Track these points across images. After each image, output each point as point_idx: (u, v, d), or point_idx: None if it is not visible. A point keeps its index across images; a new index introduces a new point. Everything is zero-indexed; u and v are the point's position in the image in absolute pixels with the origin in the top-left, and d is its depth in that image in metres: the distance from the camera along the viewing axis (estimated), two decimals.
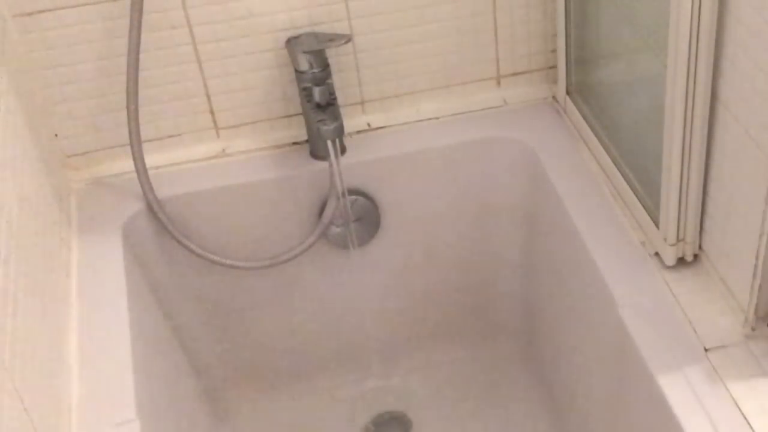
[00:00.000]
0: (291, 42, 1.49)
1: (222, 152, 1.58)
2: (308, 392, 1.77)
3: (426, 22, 1.54)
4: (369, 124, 1.61)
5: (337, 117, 1.48)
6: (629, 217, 1.38)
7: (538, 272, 1.64)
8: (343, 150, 1.55)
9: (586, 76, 1.54)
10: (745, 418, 1.08)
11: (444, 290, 1.74)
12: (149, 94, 1.50)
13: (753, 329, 1.16)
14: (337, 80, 1.53)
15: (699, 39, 1.10)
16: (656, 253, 1.31)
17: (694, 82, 1.13)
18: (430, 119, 1.62)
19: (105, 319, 1.30)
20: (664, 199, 1.25)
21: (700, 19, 1.09)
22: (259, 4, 1.47)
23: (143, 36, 1.41)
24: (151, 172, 1.48)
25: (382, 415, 1.73)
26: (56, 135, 1.52)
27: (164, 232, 1.50)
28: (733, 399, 1.10)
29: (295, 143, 1.59)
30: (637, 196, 1.36)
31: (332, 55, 1.51)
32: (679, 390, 1.12)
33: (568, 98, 1.57)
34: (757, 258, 1.11)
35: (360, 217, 1.61)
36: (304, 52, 1.47)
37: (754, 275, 1.12)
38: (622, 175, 1.40)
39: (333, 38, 1.47)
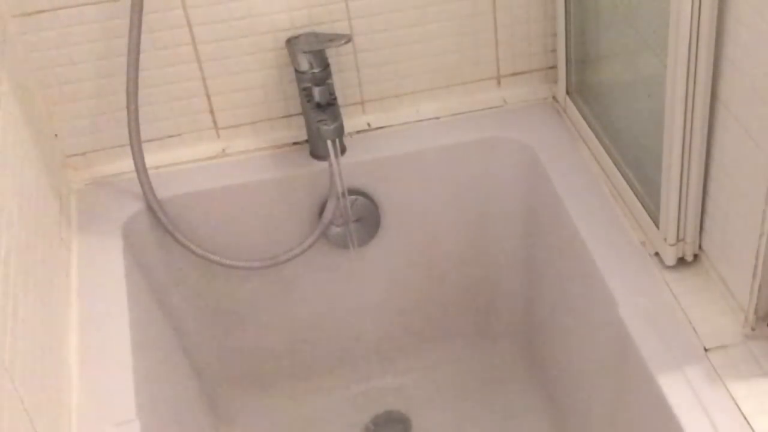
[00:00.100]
0: (291, 42, 1.49)
1: (222, 152, 1.58)
2: (308, 392, 1.77)
3: (426, 22, 1.54)
4: (369, 124, 1.61)
5: (337, 117, 1.48)
6: (629, 217, 1.38)
7: (538, 272, 1.64)
8: (343, 150, 1.55)
9: (586, 76, 1.54)
10: (745, 418, 1.08)
11: (444, 290, 1.74)
12: (149, 94, 1.50)
13: (753, 329, 1.17)
14: (337, 80, 1.53)
15: (699, 39, 1.10)
16: (656, 253, 1.31)
17: (695, 83, 1.13)
18: (430, 119, 1.62)
19: (105, 319, 1.30)
20: (664, 199, 1.25)
21: (700, 20, 1.09)
22: (259, 4, 1.47)
23: (143, 36, 1.41)
24: (151, 172, 1.48)
25: (382, 415, 1.73)
26: (56, 135, 1.52)
27: (164, 232, 1.50)
28: (733, 399, 1.10)
29: (295, 143, 1.59)
30: (637, 196, 1.36)
31: (332, 55, 1.51)
32: (679, 390, 1.12)
33: (568, 98, 1.57)
34: (757, 258, 1.11)
35: (360, 217, 1.61)
36: (304, 52, 1.47)
37: (754, 275, 1.12)
38: (622, 175, 1.40)
39: (333, 38, 1.47)
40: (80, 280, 1.37)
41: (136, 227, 1.48)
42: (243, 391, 1.75)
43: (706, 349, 1.17)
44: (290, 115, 1.58)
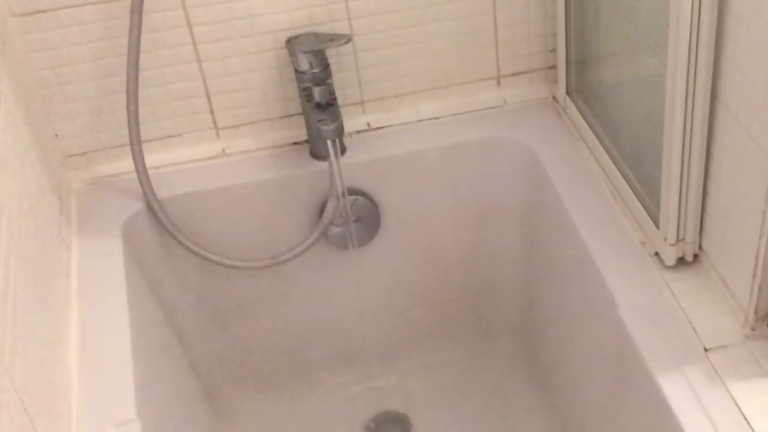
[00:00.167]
0: (291, 42, 1.49)
1: (222, 152, 1.58)
2: (308, 392, 1.77)
3: (426, 22, 1.54)
4: (369, 124, 1.61)
5: (337, 117, 1.48)
6: (629, 217, 1.38)
7: (538, 272, 1.64)
8: (343, 150, 1.55)
9: (586, 76, 1.54)
10: (745, 418, 1.08)
11: (444, 290, 1.74)
12: (149, 94, 1.50)
13: (753, 329, 1.17)
14: (337, 80, 1.53)
15: (699, 39, 1.10)
16: (656, 253, 1.31)
17: (694, 82, 1.13)
18: (430, 119, 1.62)
19: (105, 319, 1.30)
20: (664, 199, 1.25)
21: (700, 19, 1.09)
22: (259, 4, 1.47)
23: (143, 36, 1.41)
24: (151, 172, 1.48)
25: (382, 414, 1.73)
26: (56, 135, 1.52)
27: (164, 232, 1.50)
28: (733, 399, 1.10)
29: (295, 143, 1.60)
30: (637, 196, 1.36)
31: (332, 55, 1.51)
32: (679, 390, 1.12)
33: (568, 98, 1.57)
34: (757, 258, 1.11)
35: (360, 217, 1.61)
36: (304, 52, 1.47)
37: (754, 275, 1.12)
38: (622, 175, 1.40)
39: (333, 38, 1.47)
40: (80, 280, 1.37)
41: (136, 227, 1.48)
42: (243, 391, 1.75)
43: (706, 349, 1.17)
44: (290, 115, 1.58)
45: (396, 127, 1.61)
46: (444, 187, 1.62)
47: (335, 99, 1.51)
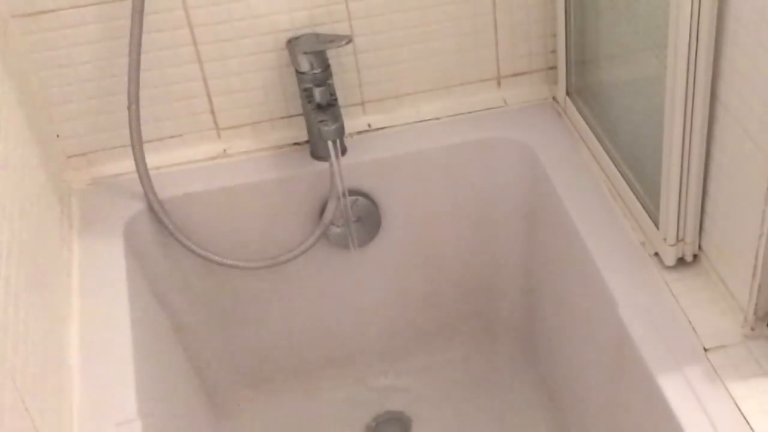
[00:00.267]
0: (292, 43, 1.49)
1: (223, 153, 1.59)
2: (308, 392, 1.77)
3: (426, 23, 1.54)
4: (369, 125, 1.61)
5: (337, 117, 1.48)
6: (629, 218, 1.38)
7: (538, 272, 1.64)
8: (344, 150, 1.55)
9: (586, 77, 1.54)
10: (745, 418, 1.08)
11: (444, 290, 1.75)
12: (150, 94, 1.50)
13: (752, 329, 1.17)
14: (337, 81, 1.53)
15: (699, 40, 1.10)
16: (656, 254, 1.31)
17: (694, 83, 1.13)
18: (430, 120, 1.62)
19: (106, 318, 1.30)
20: (664, 199, 1.25)
21: (699, 20, 1.09)
22: (260, 5, 1.47)
23: (144, 37, 1.41)
24: (152, 173, 1.48)
25: (383, 414, 1.74)
26: (57, 135, 1.52)
27: (165, 232, 1.51)
28: (733, 399, 1.10)
29: (295, 144, 1.60)
30: (636, 196, 1.36)
31: (333, 55, 1.51)
32: (679, 390, 1.12)
33: (568, 99, 1.58)
34: (756, 258, 1.11)
35: (360, 218, 1.61)
36: (305, 53, 1.47)
37: (754, 275, 1.12)
38: (622, 175, 1.40)
39: (333, 39, 1.47)
40: (81, 280, 1.37)
41: (137, 227, 1.48)
42: (244, 391, 1.75)
43: (705, 349, 1.17)
44: (291, 116, 1.59)
45: (396, 127, 1.61)
46: (444, 187, 1.62)
47: (336, 100, 1.51)
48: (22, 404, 1.00)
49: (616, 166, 1.42)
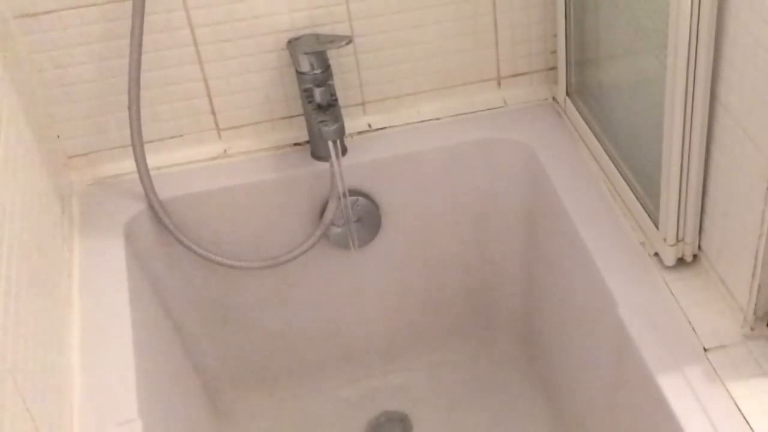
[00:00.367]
0: (292, 43, 1.50)
1: (223, 153, 1.59)
2: (309, 392, 1.77)
3: (427, 24, 1.54)
4: (370, 125, 1.62)
5: (338, 118, 1.49)
6: (629, 218, 1.38)
7: (538, 272, 1.64)
8: (344, 151, 1.56)
9: (586, 77, 1.55)
10: (745, 418, 1.08)
11: (444, 290, 1.75)
12: (151, 95, 1.51)
13: (752, 329, 1.17)
14: (338, 81, 1.53)
15: (698, 40, 1.10)
16: (656, 254, 1.31)
17: (694, 84, 1.14)
18: (430, 120, 1.62)
19: (107, 319, 1.30)
20: (664, 199, 1.25)
21: (699, 21, 1.09)
22: (261, 5, 1.47)
23: (145, 37, 1.41)
24: (152, 173, 1.48)
25: (383, 414, 1.74)
26: (58, 136, 1.52)
27: (166, 232, 1.51)
28: (733, 399, 1.10)
29: (296, 144, 1.60)
30: (636, 196, 1.36)
31: (333, 56, 1.52)
32: (679, 390, 1.12)
33: (568, 99, 1.58)
34: (756, 258, 1.11)
35: (361, 218, 1.61)
36: (305, 53, 1.47)
37: (753, 275, 1.12)
38: (622, 175, 1.40)
39: (334, 39, 1.48)
40: (82, 280, 1.37)
41: (137, 227, 1.49)
42: (244, 391, 1.75)
43: (705, 349, 1.17)
44: (291, 116, 1.59)
45: (397, 128, 1.61)
46: (444, 187, 1.62)
47: (336, 100, 1.51)
48: (23, 404, 1.00)
49: (615, 166, 1.42)
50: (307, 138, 1.58)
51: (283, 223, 1.60)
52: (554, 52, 1.60)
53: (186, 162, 1.57)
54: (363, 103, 1.60)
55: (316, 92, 1.49)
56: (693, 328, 1.20)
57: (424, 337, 1.79)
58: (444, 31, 1.56)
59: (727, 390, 1.11)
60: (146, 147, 1.46)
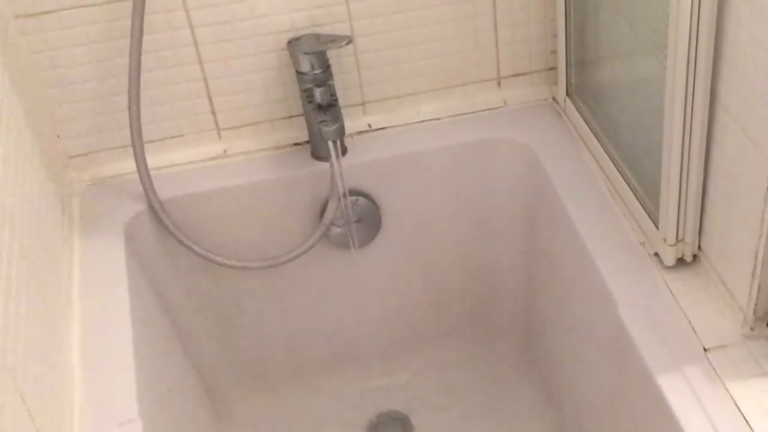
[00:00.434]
0: (292, 43, 1.50)
1: (223, 153, 1.59)
2: (309, 392, 1.77)
3: (427, 24, 1.54)
4: (370, 125, 1.62)
5: (338, 118, 1.49)
6: (629, 218, 1.38)
7: (538, 272, 1.64)
8: (344, 151, 1.56)
9: (586, 78, 1.55)
10: (745, 418, 1.08)
11: (444, 290, 1.75)
12: (151, 95, 1.51)
13: (752, 329, 1.17)
14: (338, 81, 1.54)
15: (698, 40, 1.10)
16: (656, 254, 1.31)
17: (694, 84, 1.14)
18: (430, 120, 1.62)
19: (107, 319, 1.30)
20: (664, 199, 1.25)
21: (699, 21, 1.09)
22: (261, 5, 1.47)
23: (145, 37, 1.41)
24: (152, 173, 1.48)
25: (383, 414, 1.74)
26: (58, 136, 1.52)
27: (166, 232, 1.51)
28: (733, 399, 1.10)
29: (296, 144, 1.60)
30: (636, 196, 1.36)
31: (333, 56, 1.52)
32: (679, 390, 1.12)
33: (568, 99, 1.58)
34: (756, 258, 1.11)
35: (361, 218, 1.61)
36: (306, 54, 1.47)
37: (753, 275, 1.12)
38: (622, 176, 1.40)
39: (334, 39, 1.48)
40: (82, 280, 1.37)
41: (138, 228, 1.49)
42: (244, 391, 1.75)
43: (705, 349, 1.17)
44: (291, 116, 1.59)
45: (397, 128, 1.61)
46: (444, 187, 1.62)
47: (336, 100, 1.51)
48: (23, 404, 1.00)
49: (615, 166, 1.42)
50: (307, 138, 1.58)
51: (284, 223, 1.60)
52: (554, 52, 1.60)
53: (186, 162, 1.57)
54: (363, 103, 1.61)
55: (317, 92, 1.49)
56: (693, 328, 1.20)
57: (424, 336, 1.79)
58: (444, 31, 1.56)
59: (727, 390, 1.11)
60: (146, 147, 1.47)
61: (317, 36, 1.49)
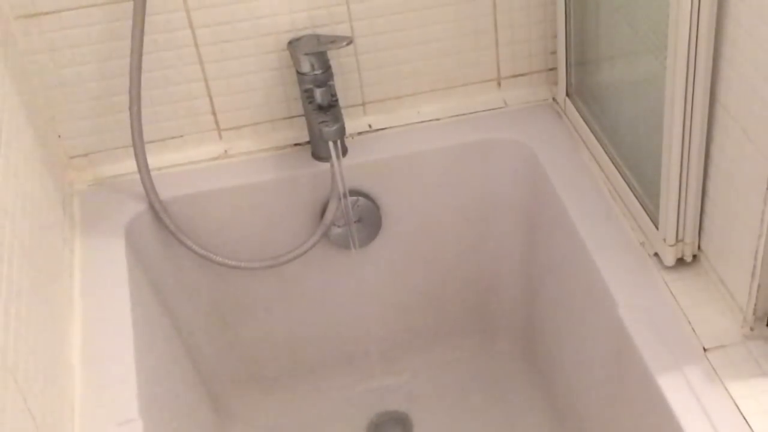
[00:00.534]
0: (293, 44, 1.50)
1: (224, 153, 1.59)
2: (309, 392, 1.77)
3: (427, 24, 1.55)
4: (370, 126, 1.62)
5: (338, 118, 1.49)
6: (629, 218, 1.38)
7: (538, 273, 1.64)
8: (345, 151, 1.56)
9: (585, 78, 1.55)
10: (745, 418, 1.08)
11: (444, 290, 1.75)
12: (152, 95, 1.51)
13: (752, 329, 1.17)
14: (338, 82, 1.54)
15: (698, 41, 1.11)
16: (655, 254, 1.31)
17: (693, 84, 1.14)
18: (430, 120, 1.62)
19: (108, 319, 1.31)
20: (664, 199, 1.25)
21: (699, 21, 1.09)
22: (261, 6, 1.47)
23: (146, 38, 1.41)
24: (153, 173, 1.48)
25: (383, 414, 1.74)
26: (59, 136, 1.52)
27: (167, 232, 1.51)
28: (732, 399, 1.10)
29: (296, 144, 1.60)
30: (636, 197, 1.37)
31: (334, 56, 1.52)
32: (679, 390, 1.12)
33: (567, 100, 1.58)
34: (755, 259, 1.11)
35: (361, 218, 1.62)
36: (306, 54, 1.48)
37: (753, 276, 1.13)
38: (622, 176, 1.40)
39: (334, 40, 1.48)
40: (83, 280, 1.37)
41: (138, 228, 1.49)
42: (245, 391, 1.75)
43: (705, 349, 1.17)
44: (292, 117, 1.59)
45: (397, 128, 1.61)
46: (444, 188, 1.62)
47: (337, 100, 1.51)
48: (24, 404, 1.00)
49: (615, 166, 1.42)
50: (307, 138, 1.58)
51: (284, 224, 1.60)
52: (554, 52, 1.60)
53: (187, 162, 1.57)
54: (363, 104, 1.61)
55: (317, 93, 1.49)
56: (693, 328, 1.20)
57: (425, 336, 1.79)
58: (444, 31, 1.56)
59: (726, 390, 1.12)
60: (147, 147, 1.47)
61: (318, 37, 1.50)
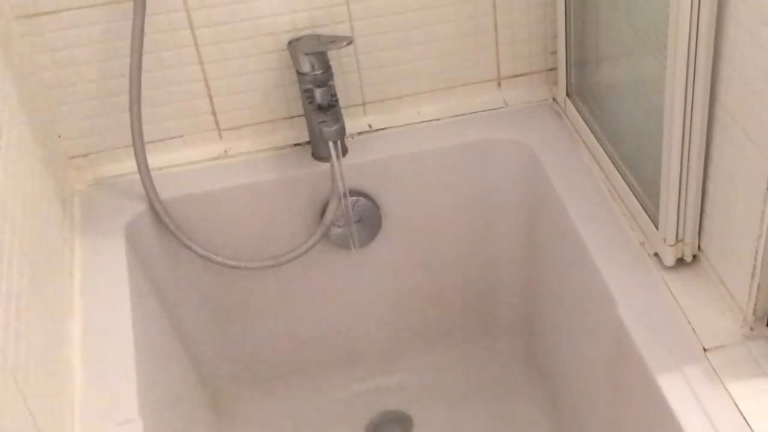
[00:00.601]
0: (293, 44, 1.50)
1: (224, 153, 1.59)
2: (310, 392, 1.77)
3: (427, 24, 1.55)
4: (370, 126, 1.62)
5: (338, 118, 1.49)
6: (629, 218, 1.38)
7: (538, 272, 1.64)
8: (345, 151, 1.56)
9: (586, 78, 1.55)
10: (744, 418, 1.08)
11: (445, 290, 1.75)
12: (152, 95, 1.51)
13: (752, 329, 1.17)
14: (338, 82, 1.54)
15: (698, 41, 1.11)
16: (655, 254, 1.31)
17: (693, 84, 1.14)
18: (431, 121, 1.62)
19: (108, 319, 1.31)
20: (664, 200, 1.25)
21: (699, 21, 1.09)
22: (261, 6, 1.47)
23: (146, 38, 1.41)
24: (153, 173, 1.48)
25: (383, 414, 1.74)
26: (59, 136, 1.52)
27: (167, 232, 1.51)
28: (732, 399, 1.10)
29: (296, 144, 1.60)
30: (636, 197, 1.37)
31: (334, 56, 1.52)
32: (679, 390, 1.12)
33: (568, 100, 1.58)
34: (755, 259, 1.11)
35: (361, 218, 1.62)
36: (306, 54, 1.48)
37: (753, 276, 1.13)
38: (622, 176, 1.40)
39: (334, 40, 1.48)
40: (83, 280, 1.37)
41: (138, 228, 1.49)
42: (245, 391, 1.75)
43: (705, 349, 1.17)
44: (292, 117, 1.59)
45: (397, 128, 1.61)
46: (445, 188, 1.62)
47: (337, 100, 1.51)
48: (24, 404, 1.00)
49: (615, 166, 1.42)
50: (307, 138, 1.58)
51: (284, 224, 1.60)
52: (554, 52, 1.60)
53: (187, 162, 1.57)
54: (363, 104, 1.61)
55: (317, 93, 1.49)
56: (693, 328, 1.20)
57: (425, 336, 1.79)
58: (444, 31, 1.56)
59: (726, 390, 1.12)
60: (147, 147, 1.47)
61: (318, 37, 1.50)
